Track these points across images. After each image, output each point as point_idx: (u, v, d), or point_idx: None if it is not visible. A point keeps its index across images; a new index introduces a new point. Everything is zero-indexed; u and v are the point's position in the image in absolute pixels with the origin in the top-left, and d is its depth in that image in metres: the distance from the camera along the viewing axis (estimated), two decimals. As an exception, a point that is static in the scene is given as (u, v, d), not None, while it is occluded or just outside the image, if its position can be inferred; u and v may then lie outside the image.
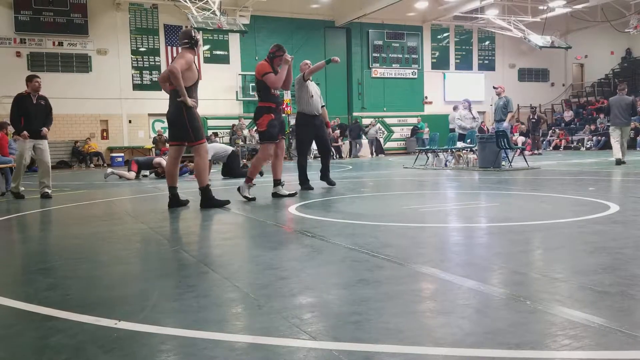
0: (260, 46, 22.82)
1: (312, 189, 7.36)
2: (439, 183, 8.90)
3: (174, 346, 1.87)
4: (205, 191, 5.75)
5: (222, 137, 21.46)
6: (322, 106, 7.66)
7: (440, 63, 26.64)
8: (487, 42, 27.59)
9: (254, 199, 6.29)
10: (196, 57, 5.93)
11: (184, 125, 5.64)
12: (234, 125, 21.64)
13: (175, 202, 5.86)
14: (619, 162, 11.44)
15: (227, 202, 5.88)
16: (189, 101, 5.55)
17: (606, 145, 22.33)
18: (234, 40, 22.52)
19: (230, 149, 11.84)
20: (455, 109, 15.82)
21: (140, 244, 4.12)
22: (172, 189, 5.85)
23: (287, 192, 6.61)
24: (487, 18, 24.60)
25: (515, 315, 2.07)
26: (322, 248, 3.51)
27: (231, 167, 11.38)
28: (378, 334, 1.89)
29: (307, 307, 2.25)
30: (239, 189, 6.43)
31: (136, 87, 21.26)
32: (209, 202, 5.74)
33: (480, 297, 2.33)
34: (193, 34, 5.87)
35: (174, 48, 21.17)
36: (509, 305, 2.21)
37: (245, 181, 6.39)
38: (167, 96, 5.81)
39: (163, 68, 20.73)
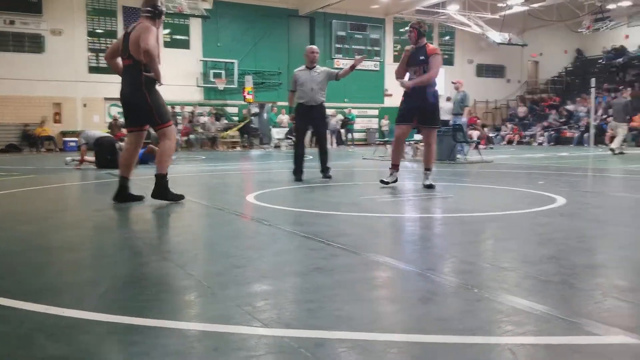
0: (222, 32, 22.49)
1: (301, 181, 7.15)
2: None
3: (124, 334, 1.85)
4: (162, 180, 5.11)
5: (181, 124, 21.10)
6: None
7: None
8: (447, 37, 28.00)
9: (431, 186, 6.12)
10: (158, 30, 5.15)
11: (147, 108, 4.99)
12: (192, 112, 21.30)
13: (124, 196, 5.12)
14: (612, 151, 14.03)
15: (182, 197, 5.19)
16: (160, 78, 4.98)
17: (557, 141, 23.17)
18: (195, 25, 22.12)
19: (98, 135, 10.50)
20: (448, 100, 14.95)
21: (93, 231, 4.03)
22: (124, 180, 5.14)
23: (391, 180, 6.47)
24: (448, 13, 24.96)
25: (463, 303, 2.14)
26: (278, 237, 3.53)
27: (101, 156, 9.99)
28: (330, 321, 1.92)
29: (261, 295, 2.26)
30: (428, 186, 6.17)
31: (92, 69, 20.62)
32: (163, 193, 5.09)
33: (431, 286, 2.40)
34: (159, 3, 5.14)
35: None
36: (457, 294, 2.28)
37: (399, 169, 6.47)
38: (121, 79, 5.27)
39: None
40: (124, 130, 19.26)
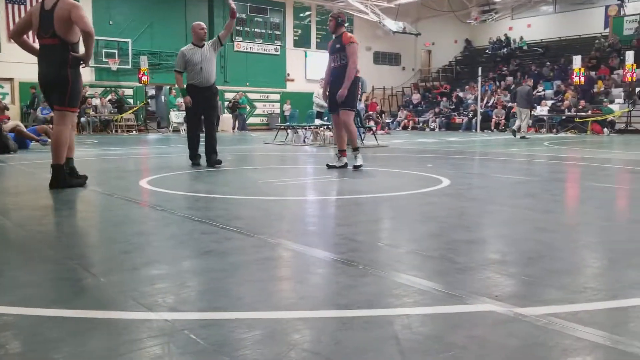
0: (114, 10, 21.29)
1: (199, 165, 6.96)
2: (296, 158, 9.13)
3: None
4: (60, 170, 4.84)
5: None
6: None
7: (302, 41, 27.02)
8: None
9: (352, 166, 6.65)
10: None
11: (65, 88, 4.73)
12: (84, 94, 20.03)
13: (63, 180, 4.84)
14: (514, 132, 15.91)
15: (85, 177, 5.10)
16: (87, 60, 4.80)
17: (448, 127, 24.55)
18: (85, 2, 20.70)
19: None
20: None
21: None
22: (67, 161, 4.93)
23: (339, 164, 6.75)
24: (347, 0, 25.38)
25: (349, 279, 2.23)
26: (171, 221, 3.45)
27: None
28: (218, 302, 1.93)
29: (147, 280, 2.21)
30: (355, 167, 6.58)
31: (-34, 46, 18.70)
32: (62, 182, 4.83)
33: (320, 264, 2.47)
34: None
35: (15, 6, 18.93)
36: (344, 270, 2.37)
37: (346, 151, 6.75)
38: (5, 58, 4.95)
39: (2, 27, 18.49)
40: (7, 113, 17.78)
